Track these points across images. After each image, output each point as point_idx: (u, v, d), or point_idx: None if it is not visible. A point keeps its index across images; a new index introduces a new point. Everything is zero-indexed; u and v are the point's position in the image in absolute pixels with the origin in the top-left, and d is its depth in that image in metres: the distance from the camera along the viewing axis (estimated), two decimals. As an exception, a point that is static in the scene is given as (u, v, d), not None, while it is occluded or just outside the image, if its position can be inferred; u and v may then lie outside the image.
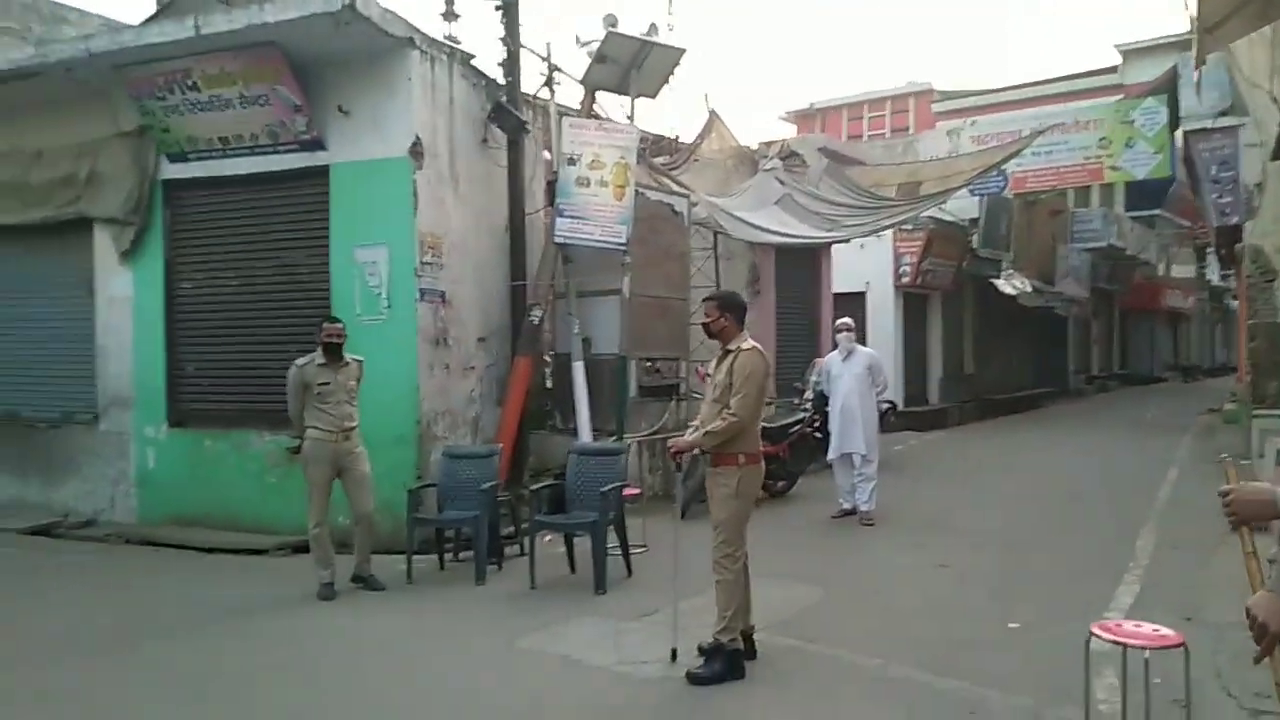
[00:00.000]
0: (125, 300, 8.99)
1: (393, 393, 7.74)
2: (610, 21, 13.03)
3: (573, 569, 6.53)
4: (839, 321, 8.67)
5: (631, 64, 9.27)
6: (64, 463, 9.35)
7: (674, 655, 4.68)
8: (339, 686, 4.57)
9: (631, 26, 9.32)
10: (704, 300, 5.03)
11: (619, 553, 6.51)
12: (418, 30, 8.00)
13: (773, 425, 9.58)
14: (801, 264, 13.18)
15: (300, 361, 6.50)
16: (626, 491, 6.75)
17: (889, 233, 15.95)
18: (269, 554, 7.53)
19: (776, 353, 12.45)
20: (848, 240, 12.35)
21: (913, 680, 4.40)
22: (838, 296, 15.63)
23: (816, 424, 9.68)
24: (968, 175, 11.20)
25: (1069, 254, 22.71)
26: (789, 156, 11.88)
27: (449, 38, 10.59)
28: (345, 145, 8.05)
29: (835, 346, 8.81)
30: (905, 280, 16.43)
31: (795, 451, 9.69)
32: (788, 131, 35.00)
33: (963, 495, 10.02)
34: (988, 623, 5.30)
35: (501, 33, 9.11)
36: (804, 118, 35.87)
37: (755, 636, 4.82)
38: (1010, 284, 19.20)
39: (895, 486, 10.58)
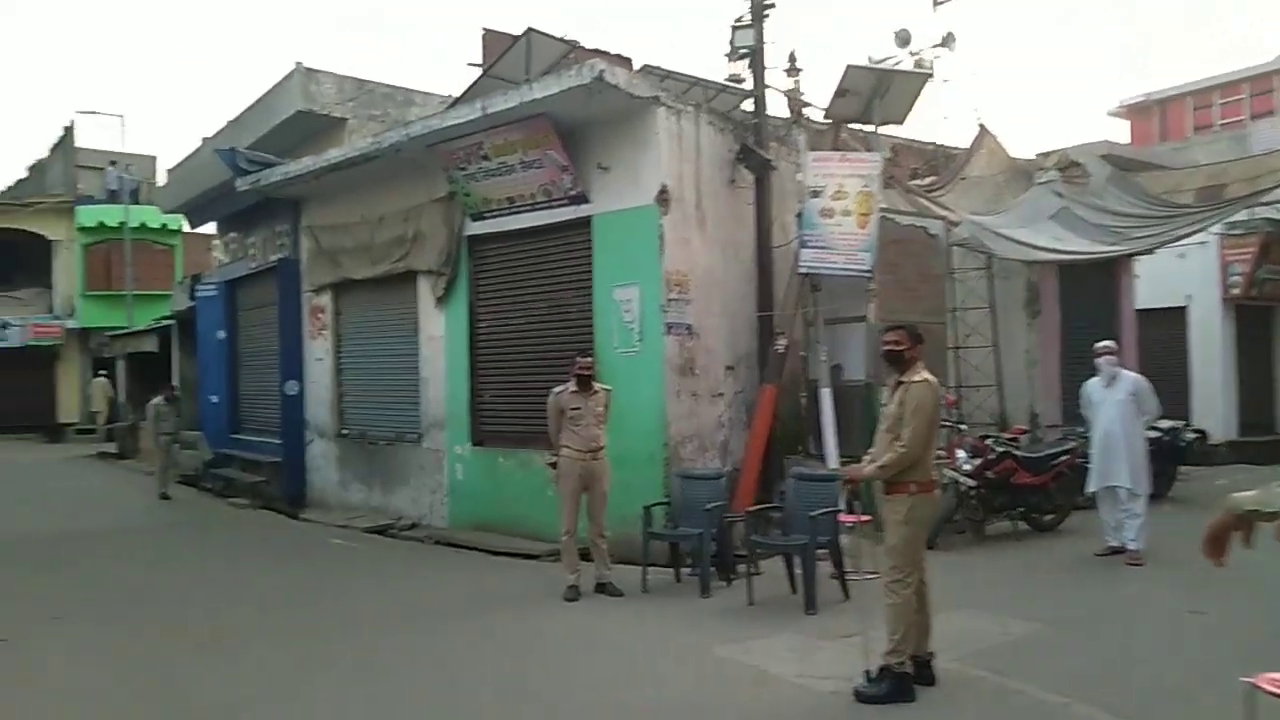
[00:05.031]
0: (439, 338, 10.72)
1: (643, 417, 8.55)
2: (903, 38, 13.14)
3: (793, 589, 6.81)
4: (1099, 345, 8.07)
5: (874, 94, 9.38)
6: (397, 474, 11.32)
7: (867, 676, 4.82)
8: (548, 670, 5.34)
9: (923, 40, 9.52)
10: (890, 328, 5.16)
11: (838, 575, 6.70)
12: (663, 88, 8.82)
13: (1036, 455, 9.10)
14: (1092, 280, 12.17)
15: (557, 389, 7.48)
16: (847, 518, 6.91)
17: (1214, 240, 14.19)
18: (540, 559, 8.61)
19: (1061, 377, 11.66)
20: (1134, 254, 11.28)
21: (1092, 723, 4.22)
22: (1149, 313, 14.15)
23: (1087, 453, 8.99)
24: (1286, 172, 9.73)
25: None
26: (1068, 167, 11.13)
27: (732, 77, 11.43)
28: (605, 197, 9.03)
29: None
30: (1236, 292, 14.42)
31: (1062, 483, 9.07)
32: (1119, 129, 31.81)
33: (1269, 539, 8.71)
34: (1209, 674, 4.82)
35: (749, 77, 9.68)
36: (1138, 111, 32.32)
37: (943, 664, 4.86)
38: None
39: (1195, 524, 9.50)
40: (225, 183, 13.37)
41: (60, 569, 9.19)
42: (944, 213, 10.42)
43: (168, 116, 65.06)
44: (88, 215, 28.23)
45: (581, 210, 9.16)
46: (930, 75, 9.37)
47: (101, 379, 26.00)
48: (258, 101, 15.59)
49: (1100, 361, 7.95)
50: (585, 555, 7.38)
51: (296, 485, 12.72)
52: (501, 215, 9.89)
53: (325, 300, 12.54)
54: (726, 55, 11.23)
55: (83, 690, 5.34)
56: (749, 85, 9.99)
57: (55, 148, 31.65)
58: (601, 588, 7.17)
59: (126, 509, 13.49)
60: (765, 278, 9.50)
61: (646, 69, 10.94)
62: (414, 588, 7.92)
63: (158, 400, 14.78)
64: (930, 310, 9.93)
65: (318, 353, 12.71)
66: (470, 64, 13.74)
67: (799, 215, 9.40)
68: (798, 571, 6.76)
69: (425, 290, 10.85)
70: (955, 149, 13.11)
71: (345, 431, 12.30)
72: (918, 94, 9.48)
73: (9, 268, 30.11)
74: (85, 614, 7.22)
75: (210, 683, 5.38)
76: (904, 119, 9.70)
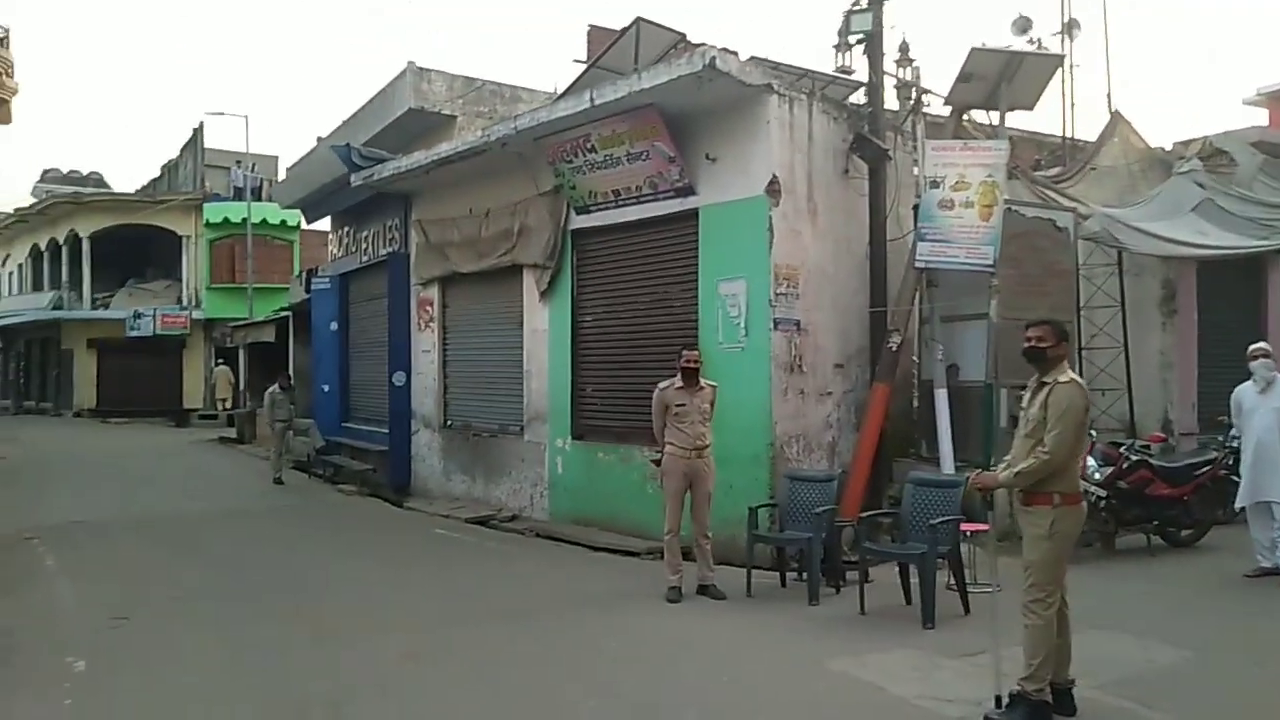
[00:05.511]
0: (543, 332, 10.69)
1: (748, 415, 8.28)
2: (1021, 25, 12.44)
3: (907, 600, 6.45)
4: (1254, 347, 7.38)
5: (1000, 78, 8.86)
6: (499, 466, 11.36)
7: (998, 702, 4.44)
8: (653, 676, 5.15)
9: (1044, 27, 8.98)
10: (1033, 324, 4.77)
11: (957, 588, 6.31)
12: (775, 76, 8.52)
13: (1174, 465, 8.43)
14: (1235, 278, 11.24)
15: (662, 385, 7.30)
16: (969, 526, 6.51)
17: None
18: (640, 556, 8.46)
19: (1198, 382, 10.83)
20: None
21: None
22: (1298, 313, 13.03)
23: (1232, 465, 8.28)
24: None
25: None
26: (1211, 156, 10.29)
27: (841, 69, 11.07)
28: (712, 189, 8.79)
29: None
30: (1402, 291, 13.09)
31: (1204, 496, 8.37)
32: (1256, 117, 29.62)
33: None
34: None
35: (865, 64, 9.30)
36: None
37: (1083, 693, 4.46)
38: None
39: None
40: (340, 179, 13.70)
41: (179, 549, 9.55)
42: (1073, 205, 9.79)
43: (289, 118, 68.08)
44: (214, 212, 29.69)
45: (688, 202, 8.96)
46: (1062, 58, 8.78)
47: (223, 367, 27.28)
48: (372, 100, 15.96)
49: (1255, 365, 7.28)
50: (687, 555, 7.18)
51: (402, 474, 12.94)
52: (606, 209, 9.77)
53: (433, 293, 12.69)
54: (835, 46, 10.85)
55: (195, 672, 5.44)
56: (859, 77, 9.62)
57: (185, 148, 33.40)
58: (704, 589, 6.96)
59: (242, 491, 14.02)
60: (878, 272, 9.09)
61: (754, 60, 10.68)
62: (515, 582, 7.89)
63: (273, 389, 15.33)
64: (1057, 308, 9.25)
65: (424, 345, 12.89)
66: (575, 60, 13.76)
67: (916, 207, 8.97)
68: (913, 581, 6.41)
69: (530, 284, 10.84)
70: (1082, 141, 12.35)
71: (449, 422, 12.43)
72: (1049, 78, 8.94)
73: (142, 261, 32.00)
74: (201, 595, 7.44)
75: (315, 672, 5.41)
76: (1034, 104, 9.15)
